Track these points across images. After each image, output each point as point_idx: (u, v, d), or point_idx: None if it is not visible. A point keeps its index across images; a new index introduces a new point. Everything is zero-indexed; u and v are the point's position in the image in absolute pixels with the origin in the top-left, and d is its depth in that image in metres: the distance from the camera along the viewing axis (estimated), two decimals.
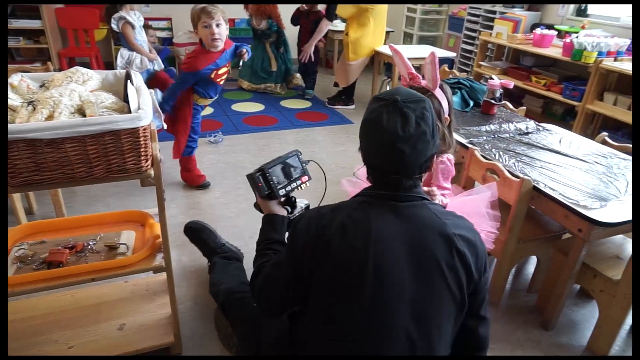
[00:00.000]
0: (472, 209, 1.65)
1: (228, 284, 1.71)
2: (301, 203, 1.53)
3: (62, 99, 1.21)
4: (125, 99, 1.35)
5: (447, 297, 1.00)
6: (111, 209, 2.48)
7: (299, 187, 1.48)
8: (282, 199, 1.45)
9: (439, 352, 1.01)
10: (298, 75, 4.88)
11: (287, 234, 1.31)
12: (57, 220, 1.64)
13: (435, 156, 1.08)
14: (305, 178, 1.49)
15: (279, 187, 1.41)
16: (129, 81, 1.34)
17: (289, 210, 1.45)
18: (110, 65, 5.03)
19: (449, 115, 1.60)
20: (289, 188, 1.44)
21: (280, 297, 1.14)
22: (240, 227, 2.43)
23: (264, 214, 1.42)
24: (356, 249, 0.98)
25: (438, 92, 1.58)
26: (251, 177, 1.38)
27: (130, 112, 1.24)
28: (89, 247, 1.44)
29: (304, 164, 1.51)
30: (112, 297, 1.73)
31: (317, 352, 1.07)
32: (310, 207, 1.46)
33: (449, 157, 1.64)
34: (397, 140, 0.97)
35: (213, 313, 1.79)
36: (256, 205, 1.47)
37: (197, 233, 2.00)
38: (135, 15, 3.31)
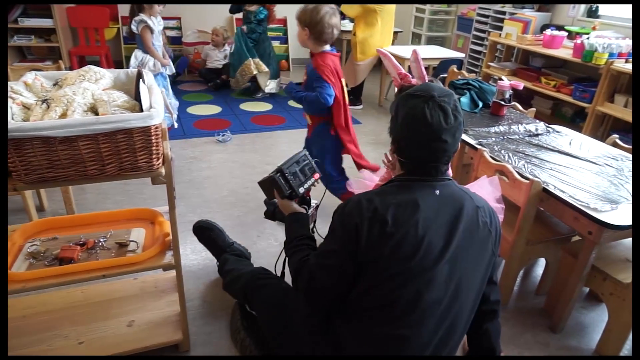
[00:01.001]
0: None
1: (246, 271, 1.71)
2: (312, 202, 1.55)
3: (76, 97, 1.22)
4: (137, 98, 1.37)
5: (487, 257, 1.17)
6: (120, 206, 2.51)
7: (314, 184, 1.55)
8: (299, 199, 1.50)
9: (472, 312, 1.18)
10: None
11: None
12: (69, 217, 1.66)
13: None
14: (317, 175, 1.55)
15: (298, 186, 1.45)
16: (140, 80, 1.35)
17: (305, 209, 1.49)
18: (120, 64, 5.08)
19: None
20: (306, 185, 1.49)
21: (332, 285, 1.16)
22: (248, 226, 2.44)
23: (285, 214, 1.44)
24: (410, 225, 1.07)
25: None
26: (271, 180, 1.41)
27: (141, 110, 1.25)
28: (100, 244, 1.46)
29: (313, 162, 1.56)
30: (121, 294, 1.75)
31: (365, 331, 1.13)
32: (319, 206, 1.48)
33: None
34: (442, 132, 1.08)
35: (223, 309, 1.80)
36: (268, 214, 1.51)
37: (206, 232, 2.01)
38: (155, 20, 3.33)
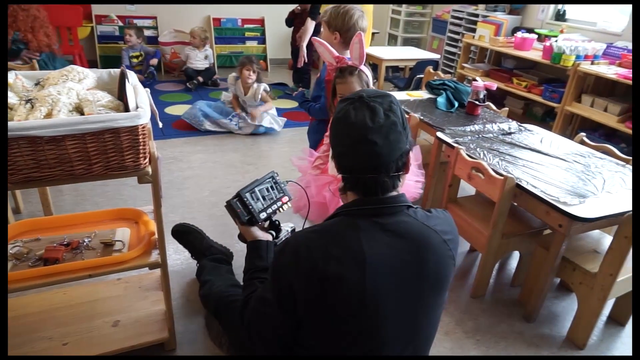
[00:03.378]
0: None
1: (218, 287, 1.71)
2: (286, 226, 1.49)
3: (61, 97, 1.22)
4: (120, 98, 1.37)
5: (442, 301, 1.04)
6: (99, 208, 2.48)
7: (281, 209, 1.44)
8: (266, 224, 1.43)
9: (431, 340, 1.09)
10: None
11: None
12: (51, 218, 1.64)
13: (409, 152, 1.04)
14: (285, 199, 1.45)
15: (259, 211, 1.37)
16: (125, 80, 1.35)
17: (274, 234, 1.43)
18: (94, 63, 4.99)
19: (373, 86, 1.87)
20: (269, 210, 1.40)
21: (271, 332, 1.05)
22: (230, 225, 2.43)
23: (247, 237, 1.38)
24: (353, 282, 0.92)
25: (364, 68, 1.81)
26: (229, 205, 1.36)
27: (125, 110, 1.26)
28: (85, 244, 1.45)
29: (282, 185, 1.46)
30: (105, 294, 1.74)
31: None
32: (296, 230, 1.43)
33: None
34: (368, 132, 0.95)
35: (204, 312, 1.81)
36: (240, 237, 1.43)
37: (184, 235, 2.01)
38: None
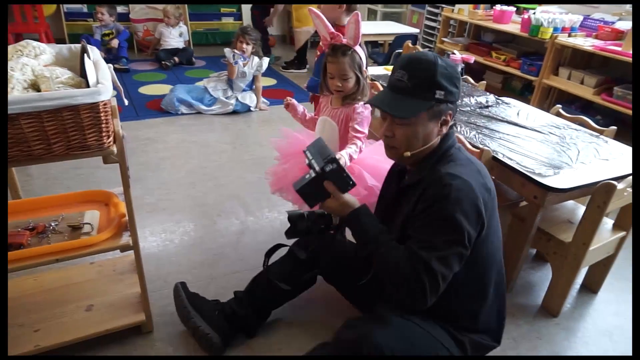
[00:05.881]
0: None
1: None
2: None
3: (14, 74, 1.15)
4: (82, 74, 1.30)
5: None
6: (71, 191, 2.39)
7: None
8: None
9: None
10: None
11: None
12: (15, 202, 1.58)
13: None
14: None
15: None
16: (85, 55, 1.29)
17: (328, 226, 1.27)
18: (62, 42, 4.78)
19: (366, 68, 1.78)
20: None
21: (452, 273, 1.11)
22: (208, 206, 2.42)
23: (345, 213, 1.20)
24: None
25: (358, 49, 1.72)
26: (332, 173, 1.11)
27: (88, 87, 1.20)
28: (51, 228, 1.40)
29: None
30: (78, 279, 1.70)
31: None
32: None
33: (365, 105, 1.79)
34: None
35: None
36: (297, 231, 1.20)
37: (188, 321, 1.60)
38: None
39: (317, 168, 1.14)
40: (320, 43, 1.82)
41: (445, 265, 1.09)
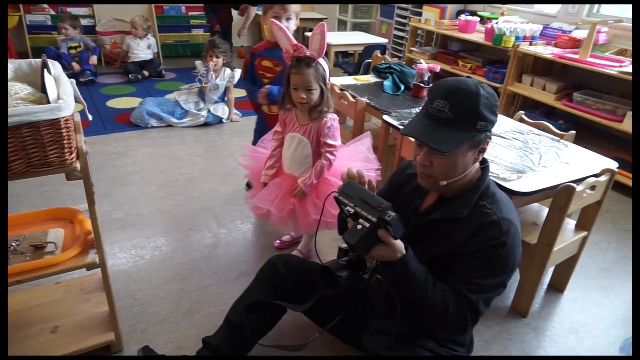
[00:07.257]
0: (354, 154, 1.94)
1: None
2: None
3: None
4: (43, 90, 1.27)
5: None
6: (36, 209, 2.32)
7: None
8: None
9: None
10: None
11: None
12: None
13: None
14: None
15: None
16: (45, 70, 1.26)
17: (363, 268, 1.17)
18: (25, 55, 4.65)
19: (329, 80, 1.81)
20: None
21: None
22: (180, 219, 2.38)
23: (394, 259, 1.11)
24: None
25: (322, 60, 1.74)
26: (395, 221, 1.05)
27: (49, 103, 1.17)
28: (12, 248, 1.35)
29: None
30: (42, 300, 1.64)
31: None
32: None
33: (332, 117, 1.82)
34: None
35: (156, 306, 1.74)
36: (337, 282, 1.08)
37: None
38: None
39: (372, 219, 1.06)
40: (283, 56, 1.81)
41: (488, 305, 1.18)
